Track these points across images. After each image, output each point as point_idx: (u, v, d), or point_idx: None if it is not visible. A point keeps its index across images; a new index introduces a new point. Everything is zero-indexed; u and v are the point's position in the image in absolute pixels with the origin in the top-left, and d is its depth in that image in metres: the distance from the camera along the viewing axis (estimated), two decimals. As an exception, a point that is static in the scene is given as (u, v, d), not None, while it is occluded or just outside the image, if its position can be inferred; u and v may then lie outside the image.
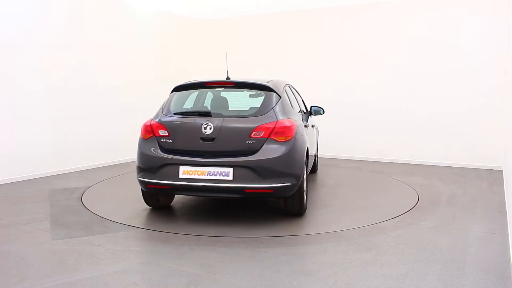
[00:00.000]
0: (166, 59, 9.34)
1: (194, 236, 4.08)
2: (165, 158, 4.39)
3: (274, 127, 4.27)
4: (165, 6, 8.96)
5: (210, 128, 4.31)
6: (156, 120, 4.63)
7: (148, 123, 4.66)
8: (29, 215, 4.76)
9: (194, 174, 4.26)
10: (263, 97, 4.63)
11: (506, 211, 4.89)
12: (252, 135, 4.25)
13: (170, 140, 4.44)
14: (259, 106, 4.55)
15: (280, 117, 4.42)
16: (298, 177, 4.40)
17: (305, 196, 4.78)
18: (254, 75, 7.44)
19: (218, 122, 4.34)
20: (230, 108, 5.04)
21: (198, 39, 10.10)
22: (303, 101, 6.52)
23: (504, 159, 6.70)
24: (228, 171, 4.19)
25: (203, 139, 4.32)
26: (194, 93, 5.16)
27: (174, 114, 4.64)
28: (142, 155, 4.55)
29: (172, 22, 9.57)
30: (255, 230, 4.26)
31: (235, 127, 4.34)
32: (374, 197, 5.71)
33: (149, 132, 4.59)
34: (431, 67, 8.02)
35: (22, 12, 6.49)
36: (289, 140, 4.31)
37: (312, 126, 6.16)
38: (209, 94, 5.20)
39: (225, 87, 5.00)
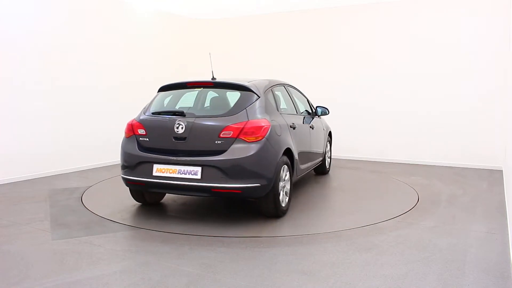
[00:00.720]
0: (166, 59, 9.34)
1: (194, 236, 4.08)
2: (141, 156, 4.53)
3: (243, 127, 4.26)
4: (165, 6, 8.96)
5: (182, 128, 4.38)
6: (137, 120, 4.77)
7: (130, 123, 4.81)
8: (29, 215, 4.76)
9: (166, 172, 4.37)
10: (238, 97, 4.64)
11: (506, 211, 4.89)
12: (221, 135, 4.27)
13: (147, 139, 4.58)
14: (232, 106, 4.58)
15: (252, 117, 4.37)
16: (269, 179, 4.31)
17: (283, 198, 4.68)
18: (253, 75, 7.43)
19: (190, 121, 4.40)
20: (210, 108, 5.01)
21: (198, 39, 10.09)
22: (308, 101, 6.47)
23: (504, 159, 6.70)
24: (197, 170, 4.26)
25: (176, 138, 4.40)
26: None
27: (153, 113, 4.76)
28: (123, 153, 4.73)
29: (172, 22, 9.57)
30: (255, 230, 4.26)
31: (205, 127, 4.38)
32: (374, 197, 5.71)
33: (130, 131, 4.75)
34: (431, 67, 8.01)
35: (22, 12, 6.49)
36: (259, 140, 4.27)
37: (311, 127, 5.99)
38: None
39: (204, 87, 5.03)
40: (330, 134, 7.35)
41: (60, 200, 5.41)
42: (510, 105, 5.53)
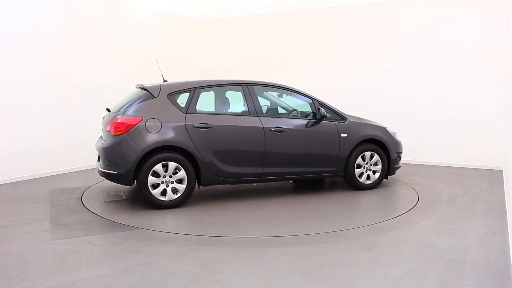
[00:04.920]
0: (166, 59, 9.32)
1: (194, 236, 4.09)
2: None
3: (113, 123, 4.97)
4: (165, 6, 8.96)
5: (103, 122, 5.41)
6: None
7: None
8: (29, 215, 4.76)
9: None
10: (134, 97, 5.25)
11: (506, 211, 4.89)
12: (108, 129, 5.09)
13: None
14: (123, 105, 5.22)
15: (126, 115, 4.98)
16: (127, 169, 4.84)
17: (168, 193, 4.96)
18: (251, 76, 7.43)
19: (105, 117, 5.37)
20: (121, 107, 5.47)
21: (197, 39, 10.09)
22: (314, 103, 5.80)
23: (504, 159, 6.69)
24: (99, 155, 5.32)
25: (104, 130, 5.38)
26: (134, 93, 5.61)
27: (106, 109, 5.62)
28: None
29: (172, 22, 9.56)
30: (255, 230, 4.26)
31: (106, 122, 5.22)
32: (374, 197, 5.71)
33: None
34: (431, 68, 8.00)
35: (22, 12, 6.49)
36: (120, 135, 4.89)
37: (276, 131, 5.40)
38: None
39: (139, 89, 5.52)
40: (377, 142, 6.12)
41: (60, 200, 5.42)
42: (510, 105, 5.53)
